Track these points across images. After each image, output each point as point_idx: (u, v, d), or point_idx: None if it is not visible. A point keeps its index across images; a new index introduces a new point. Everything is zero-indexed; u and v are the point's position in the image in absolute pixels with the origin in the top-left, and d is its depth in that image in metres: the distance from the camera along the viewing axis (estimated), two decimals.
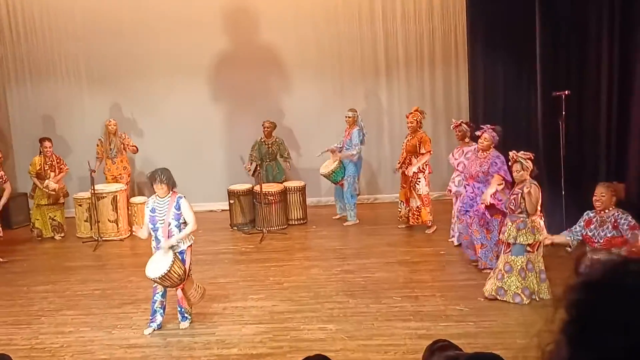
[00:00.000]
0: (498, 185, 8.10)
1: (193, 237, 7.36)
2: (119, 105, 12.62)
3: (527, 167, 7.33)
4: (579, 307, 1.18)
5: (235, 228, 11.36)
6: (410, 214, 10.46)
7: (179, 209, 7.10)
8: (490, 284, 7.57)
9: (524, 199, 7.29)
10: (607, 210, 6.91)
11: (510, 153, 7.48)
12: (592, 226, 6.97)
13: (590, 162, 9.02)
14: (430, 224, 10.46)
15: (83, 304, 8.18)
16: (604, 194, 6.89)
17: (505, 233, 7.46)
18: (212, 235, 10.90)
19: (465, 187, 8.81)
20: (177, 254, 7.10)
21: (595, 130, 8.86)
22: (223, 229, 11.41)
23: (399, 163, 10.59)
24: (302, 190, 11.57)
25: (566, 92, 8.75)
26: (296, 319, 7.39)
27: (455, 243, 9.56)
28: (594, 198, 6.97)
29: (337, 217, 11.61)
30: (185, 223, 7.14)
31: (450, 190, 9.67)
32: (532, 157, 7.39)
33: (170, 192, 7.14)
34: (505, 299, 7.43)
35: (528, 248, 7.35)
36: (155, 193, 7.18)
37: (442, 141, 12.27)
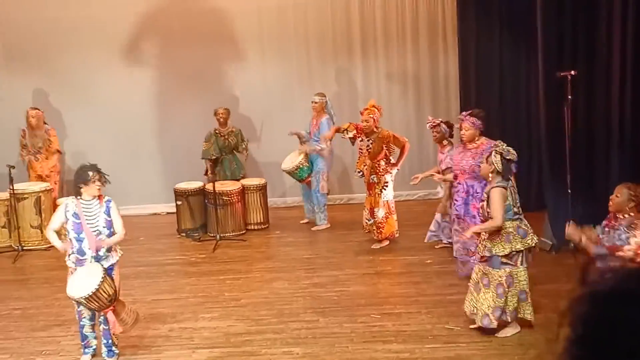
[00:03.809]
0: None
1: (121, 251, 7.23)
2: (43, 89, 12.45)
3: (493, 163, 6.98)
4: (586, 322, 1.17)
5: (184, 234, 11.29)
6: (375, 228, 10.09)
7: (109, 214, 6.92)
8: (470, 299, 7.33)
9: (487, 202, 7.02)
10: (622, 215, 6.72)
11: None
12: (607, 228, 6.68)
13: (600, 154, 9.09)
14: (393, 237, 10.19)
15: (1, 326, 8.07)
16: (619, 195, 6.69)
17: (480, 244, 7.22)
18: (155, 243, 10.83)
19: (456, 186, 8.67)
20: (106, 269, 6.93)
21: (606, 116, 8.94)
22: (169, 235, 11.34)
23: (359, 171, 10.18)
24: (262, 189, 11.53)
25: (572, 72, 8.77)
26: (256, 342, 7.36)
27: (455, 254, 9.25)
28: (610, 196, 6.81)
29: (305, 220, 11.60)
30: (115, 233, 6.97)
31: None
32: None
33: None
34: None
35: (504, 260, 7.04)
36: (75, 194, 6.88)
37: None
